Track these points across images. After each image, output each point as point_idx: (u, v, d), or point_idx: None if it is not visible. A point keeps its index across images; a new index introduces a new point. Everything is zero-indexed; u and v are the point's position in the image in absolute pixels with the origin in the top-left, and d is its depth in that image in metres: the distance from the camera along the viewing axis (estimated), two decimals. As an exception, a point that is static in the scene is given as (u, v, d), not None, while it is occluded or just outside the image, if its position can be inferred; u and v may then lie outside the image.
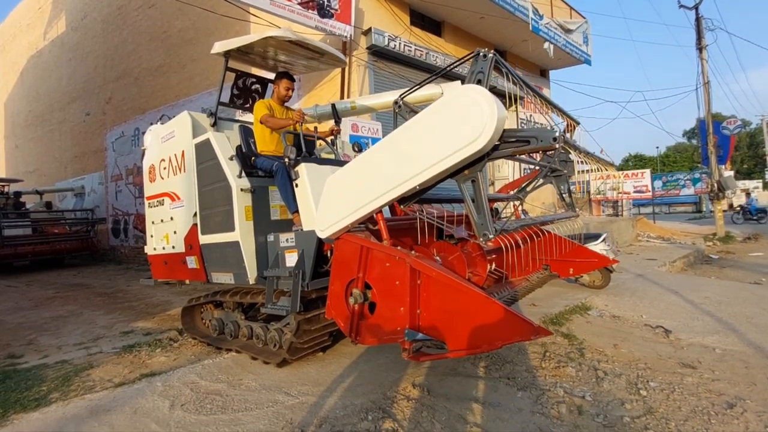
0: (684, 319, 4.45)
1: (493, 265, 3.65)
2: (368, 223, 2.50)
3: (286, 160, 2.87)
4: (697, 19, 13.12)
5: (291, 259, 2.99)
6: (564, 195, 3.75)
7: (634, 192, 13.75)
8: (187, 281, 4.11)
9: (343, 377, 3.07)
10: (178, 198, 3.87)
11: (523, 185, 4.07)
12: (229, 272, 3.36)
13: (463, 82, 2.18)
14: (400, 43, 8.05)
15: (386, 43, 7.81)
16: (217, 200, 3.32)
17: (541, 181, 3.81)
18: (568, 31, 11.84)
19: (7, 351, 4.17)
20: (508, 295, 2.80)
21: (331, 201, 2.43)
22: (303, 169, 2.88)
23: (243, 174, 3.23)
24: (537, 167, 3.98)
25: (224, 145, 3.32)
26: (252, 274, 3.13)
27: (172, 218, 4.00)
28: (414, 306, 2.03)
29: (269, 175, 3.34)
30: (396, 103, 2.61)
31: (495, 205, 4.89)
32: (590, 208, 15.78)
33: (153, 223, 4.28)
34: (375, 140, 7.11)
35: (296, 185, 2.95)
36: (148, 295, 6.91)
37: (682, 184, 27.88)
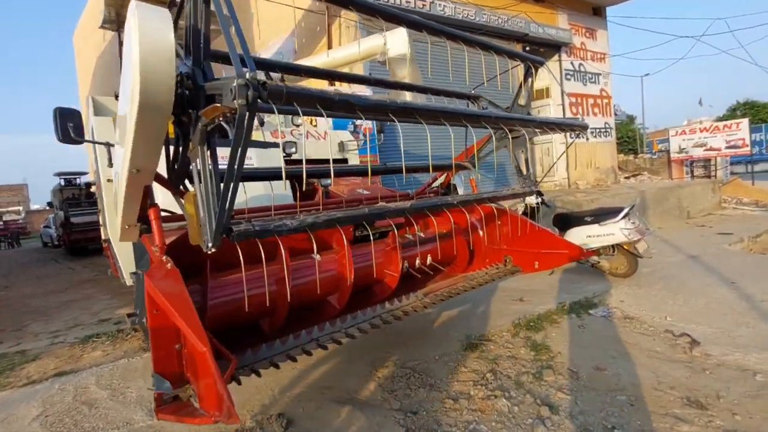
0: (727, 324, 3.25)
1: (429, 259, 2.91)
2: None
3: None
4: None
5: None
6: (520, 163, 2.81)
7: (726, 148, 10.98)
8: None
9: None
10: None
11: (476, 151, 3.18)
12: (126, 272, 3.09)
13: None
14: (399, -6, 7.04)
15: (382, -5, 6.86)
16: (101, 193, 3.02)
17: (494, 144, 2.93)
18: (631, -49, 9.52)
19: (-8, 337, 4.47)
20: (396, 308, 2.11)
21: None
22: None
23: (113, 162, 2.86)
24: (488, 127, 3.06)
25: (103, 130, 2.96)
26: (127, 275, 2.81)
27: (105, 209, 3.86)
28: (170, 341, 1.48)
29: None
30: None
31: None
32: (669, 170, 13.26)
33: (100, 210, 4.21)
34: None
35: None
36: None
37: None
